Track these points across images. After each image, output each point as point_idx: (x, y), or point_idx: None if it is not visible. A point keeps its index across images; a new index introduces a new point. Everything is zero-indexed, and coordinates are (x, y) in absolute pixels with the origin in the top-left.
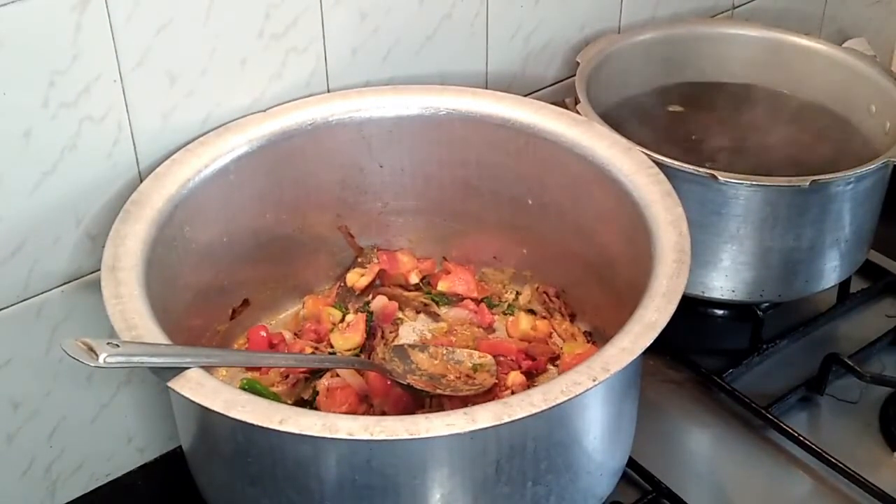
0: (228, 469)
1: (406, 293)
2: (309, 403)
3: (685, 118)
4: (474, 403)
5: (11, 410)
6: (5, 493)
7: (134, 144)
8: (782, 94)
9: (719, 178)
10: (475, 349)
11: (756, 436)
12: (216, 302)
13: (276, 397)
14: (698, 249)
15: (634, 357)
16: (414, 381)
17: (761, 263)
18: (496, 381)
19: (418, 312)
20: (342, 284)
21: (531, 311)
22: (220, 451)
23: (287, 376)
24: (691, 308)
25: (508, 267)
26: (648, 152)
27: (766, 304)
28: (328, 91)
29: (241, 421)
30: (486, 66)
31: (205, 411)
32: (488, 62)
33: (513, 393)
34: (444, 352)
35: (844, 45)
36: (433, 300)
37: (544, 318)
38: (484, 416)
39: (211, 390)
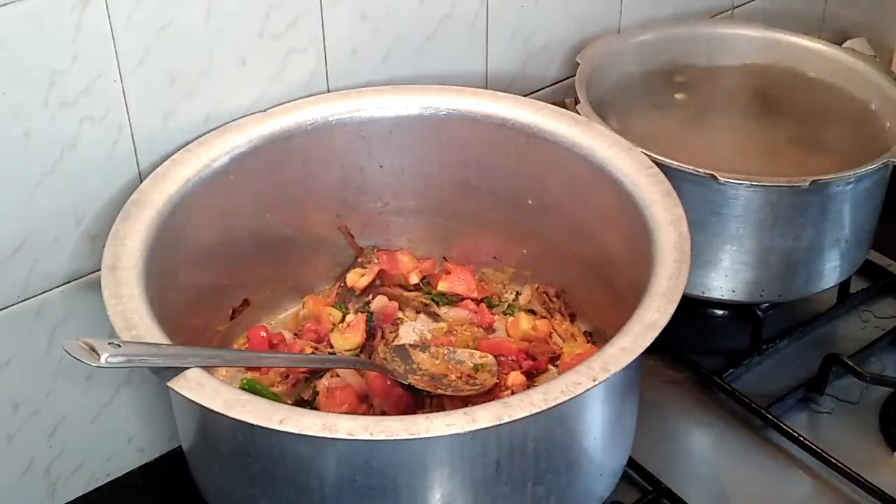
0: (228, 469)
1: (406, 293)
2: (309, 403)
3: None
4: (475, 403)
5: (11, 410)
6: (5, 493)
7: (134, 144)
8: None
9: (719, 178)
10: (475, 349)
11: (756, 436)
12: (216, 302)
13: (276, 397)
14: (698, 249)
15: (634, 357)
16: (415, 381)
17: (761, 263)
18: (497, 381)
19: (418, 312)
20: (342, 284)
21: (531, 311)
22: (220, 451)
23: (287, 376)
24: (691, 308)
25: (508, 267)
26: (648, 152)
27: (766, 304)
28: (328, 91)
29: (241, 421)
30: (486, 66)
31: (205, 411)
32: (488, 62)
33: (513, 393)
34: (446, 352)
35: (844, 45)
36: (433, 300)
37: (544, 318)
38: (484, 416)
39: (211, 390)
